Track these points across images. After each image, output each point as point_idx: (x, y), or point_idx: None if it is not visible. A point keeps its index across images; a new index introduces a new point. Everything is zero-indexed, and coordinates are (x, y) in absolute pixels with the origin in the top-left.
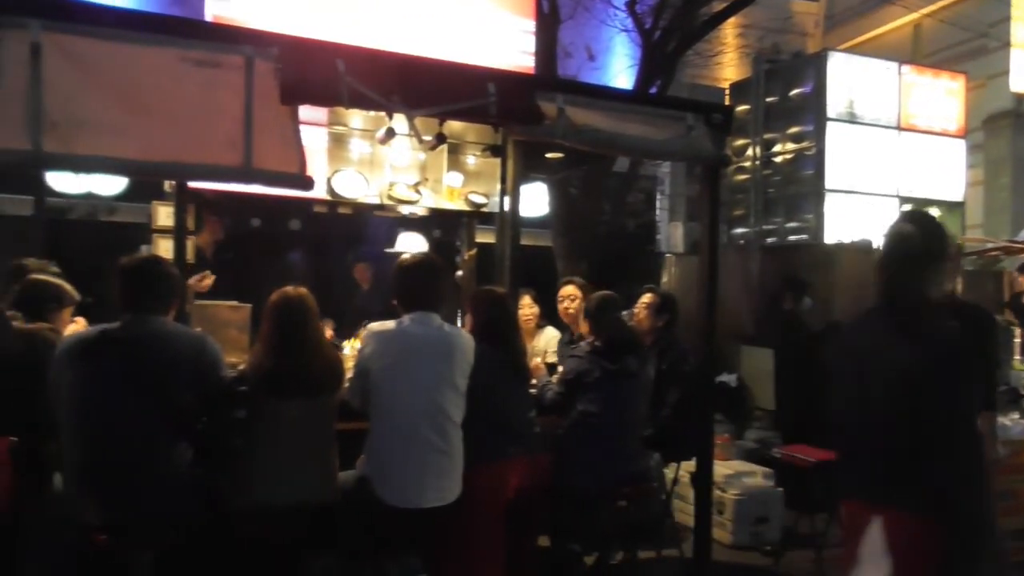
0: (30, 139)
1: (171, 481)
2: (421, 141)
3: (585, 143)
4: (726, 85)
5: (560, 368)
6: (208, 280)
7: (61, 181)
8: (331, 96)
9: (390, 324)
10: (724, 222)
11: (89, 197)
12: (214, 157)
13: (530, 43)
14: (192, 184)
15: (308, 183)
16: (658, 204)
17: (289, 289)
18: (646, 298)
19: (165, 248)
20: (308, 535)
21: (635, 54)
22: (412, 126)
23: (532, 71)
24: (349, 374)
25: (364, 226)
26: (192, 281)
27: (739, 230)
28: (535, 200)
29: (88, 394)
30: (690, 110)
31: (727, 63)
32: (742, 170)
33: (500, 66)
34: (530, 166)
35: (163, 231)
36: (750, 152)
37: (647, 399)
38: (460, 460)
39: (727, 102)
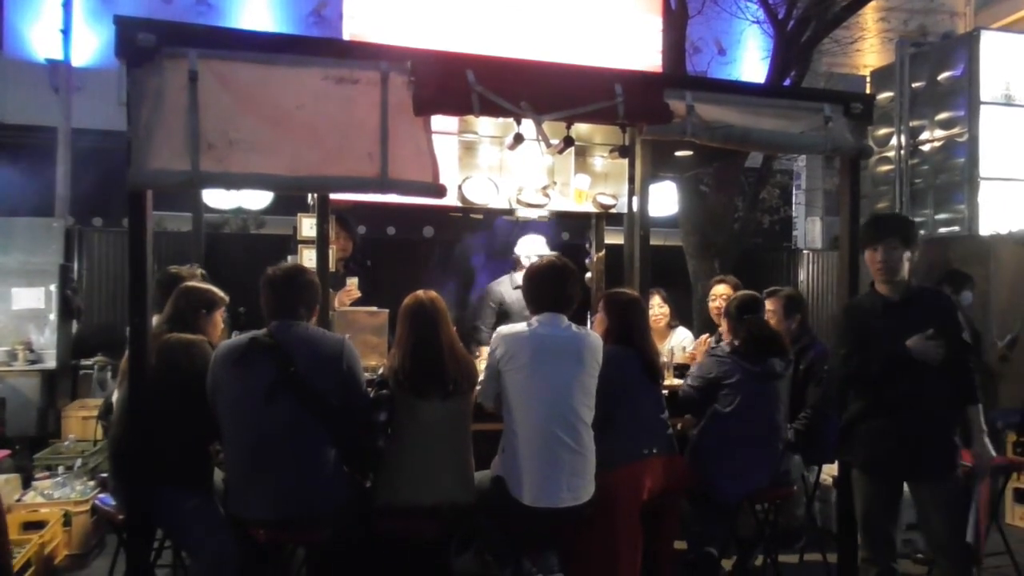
0: (189, 160)
1: (322, 479)
2: (549, 145)
3: (717, 140)
4: (867, 72)
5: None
6: (355, 293)
7: (214, 197)
8: (462, 105)
9: (520, 326)
10: (866, 216)
11: (239, 212)
12: (353, 169)
13: (659, 41)
14: (332, 196)
15: (441, 191)
16: (794, 199)
17: (421, 293)
18: (769, 304)
19: (309, 257)
20: (448, 534)
21: (767, 46)
22: (540, 131)
23: (661, 69)
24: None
25: (487, 229)
26: (343, 291)
27: None
28: (664, 199)
29: (242, 398)
30: (827, 100)
31: (867, 49)
32: (885, 160)
33: (630, 66)
34: (659, 165)
35: (307, 241)
36: (894, 141)
37: (789, 400)
38: (593, 460)
39: (868, 90)
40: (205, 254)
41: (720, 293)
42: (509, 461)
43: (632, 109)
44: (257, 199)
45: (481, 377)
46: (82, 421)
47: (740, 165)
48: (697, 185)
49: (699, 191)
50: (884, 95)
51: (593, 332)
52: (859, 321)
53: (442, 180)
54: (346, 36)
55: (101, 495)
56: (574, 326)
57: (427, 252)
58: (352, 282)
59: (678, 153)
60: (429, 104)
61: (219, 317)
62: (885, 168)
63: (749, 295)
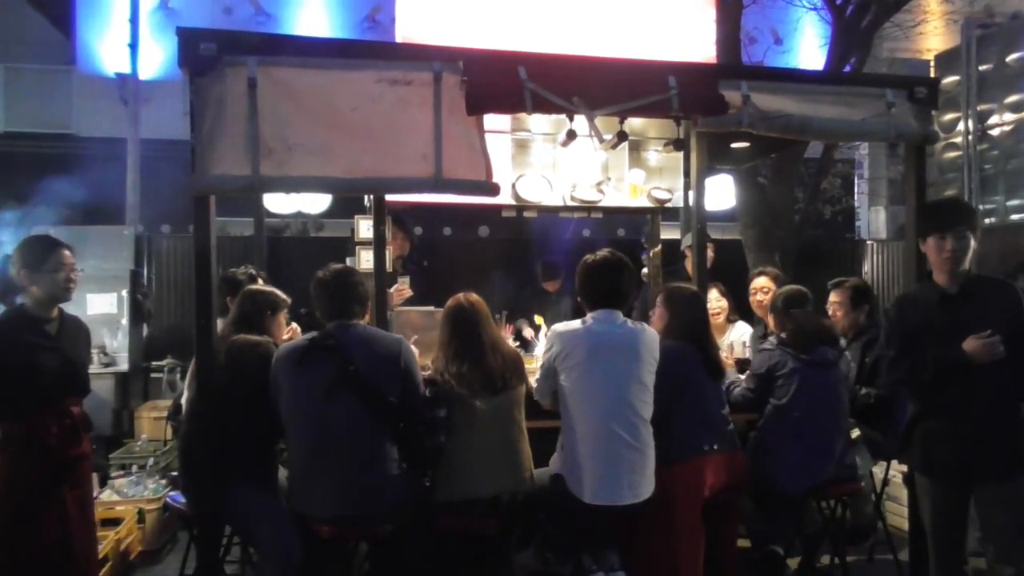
0: (250, 165)
1: (381, 477)
2: (602, 141)
3: (775, 130)
4: (930, 56)
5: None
6: (406, 292)
7: (275, 203)
8: (514, 103)
9: (575, 324)
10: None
11: (299, 216)
12: (408, 170)
13: (713, 33)
14: (386, 198)
15: (494, 190)
16: (857, 188)
17: (461, 296)
18: (835, 296)
19: (366, 259)
20: (508, 528)
21: (825, 33)
22: (593, 126)
23: (715, 61)
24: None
25: (546, 227)
26: (392, 290)
27: None
28: (720, 193)
29: (304, 397)
30: (889, 86)
31: (931, 33)
32: (952, 147)
33: (685, 58)
34: (715, 157)
35: (364, 243)
36: (961, 127)
37: (847, 391)
38: (652, 456)
39: (932, 74)
40: (267, 257)
41: (760, 286)
42: (568, 459)
43: (686, 101)
44: (316, 203)
45: (537, 375)
46: (153, 421)
47: (800, 155)
48: (755, 177)
49: (757, 183)
50: (950, 79)
51: (649, 327)
52: (913, 317)
53: (495, 179)
54: (399, 39)
55: (172, 493)
56: (630, 322)
57: (483, 252)
58: (403, 281)
59: (734, 145)
60: (482, 103)
61: (283, 318)
62: (952, 155)
63: (796, 289)
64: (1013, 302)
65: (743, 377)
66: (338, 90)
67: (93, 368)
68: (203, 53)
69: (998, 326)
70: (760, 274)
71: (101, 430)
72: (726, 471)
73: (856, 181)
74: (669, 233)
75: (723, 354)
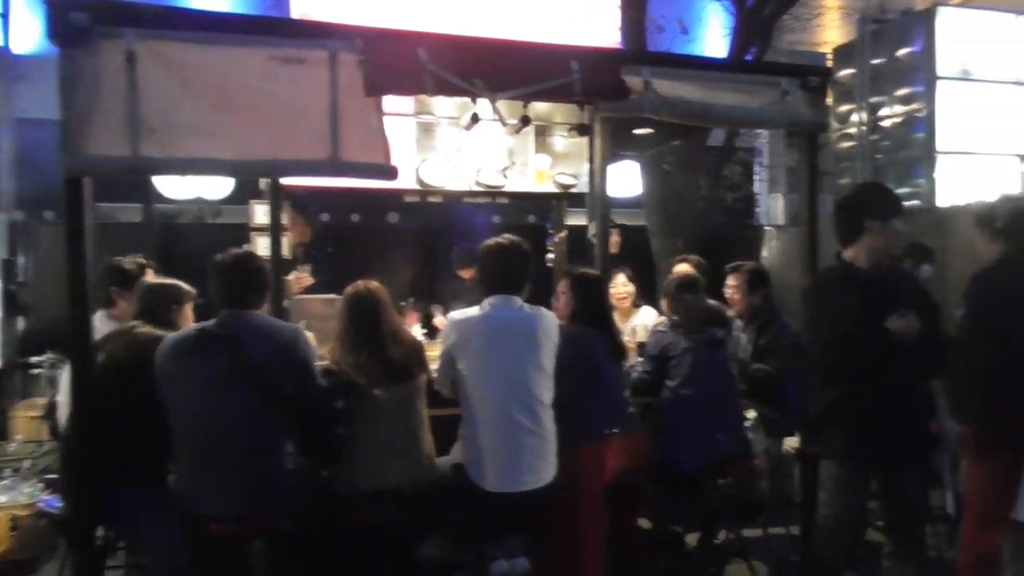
0: (129, 145)
1: (277, 471)
2: (505, 125)
3: (675, 116)
4: (828, 49)
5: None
6: (306, 280)
7: (171, 187)
8: (414, 85)
9: (471, 311)
10: (830, 191)
11: (198, 201)
12: (304, 152)
13: (617, 19)
14: (284, 182)
15: (393, 173)
16: (757, 176)
17: (360, 283)
18: (732, 280)
19: (263, 245)
20: (411, 519)
21: (730, 23)
22: (496, 110)
23: (620, 47)
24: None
25: (454, 213)
26: (291, 278)
27: None
28: (628, 179)
29: (193, 391)
30: (785, 74)
31: (829, 26)
32: (848, 137)
33: (589, 43)
34: (620, 144)
35: (260, 229)
36: (856, 118)
37: (738, 371)
38: (554, 441)
39: (830, 66)
40: (159, 245)
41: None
42: (469, 447)
43: (589, 86)
44: (217, 188)
45: (435, 365)
46: (30, 421)
47: (702, 143)
48: (660, 164)
49: (662, 170)
50: (845, 72)
51: (548, 311)
52: (839, 300)
53: (397, 162)
54: (294, 15)
55: (47, 497)
56: (527, 306)
57: (394, 238)
58: (303, 269)
59: (637, 131)
60: (380, 84)
61: (189, 310)
62: (847, 145)
63: (688, 275)
64: (916, 285)
65: (638, 365)
66: (227, 67)
67: None
68: (74, 24)
69: (910, 308)
70: (682, 261)
71: None
72: (627, 454)
73: (756, 169)
74: (578, 219)
75: (626, 338)
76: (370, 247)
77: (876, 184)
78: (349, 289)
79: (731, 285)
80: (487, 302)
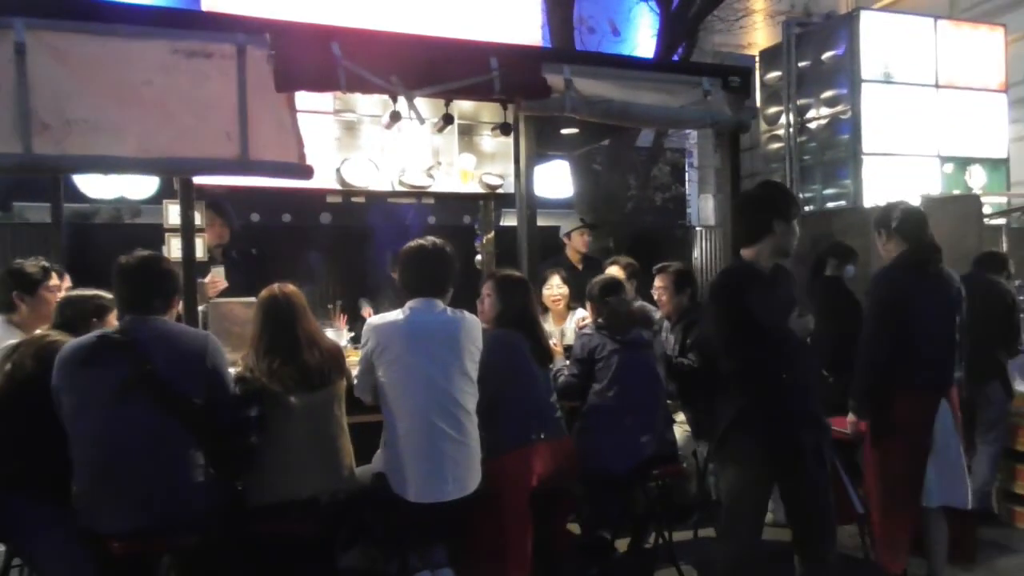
0: (20, 142)
1: (184, 484)
2: (423, 122)
3: (596, 115)
4: (754, 51)
5: None
6: (220, 284)
7: (91, 186)
8: (327, 81)
9: (391, 315)
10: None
11: (121, 201)
12: (210, 150)
13: (539, 17)
14: (198, 182)
15: (308, 172)
16: (687, 176)
17: (275, 287)
18: (659, 281)
19: (177, 247)
20: (329, 529)
21: (657, 25)
22: (412, 107)
23: (544, 46)
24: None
25: (388, 214)
26: (206, 281)
27: None
28: (558, 180)
29: (91, 401)
30: (705, 74)
31: (755, 28)
32: (776, 139)
33: (510, 41)
34: (546, 143)
35: (174, 230)
36: (784, 120)
37: (664, 370)
38: (477, 448)
39: (757, 69)
40: (72, 247)
41: (611, 275)
42: (390, 456)
43: (509, 84)
44: (140, 187)
45: (355, 371)
46: None
47: (631, 143)
48: (590, 164)
49: (592, 170)
50: (773, 74)
51: (470, 315)
52: (745, 300)
53: (316, 161)
54: (204, 8)
55: None
56: (449, 310)
57: (325, 239)
58: (217, 272)
59: (564, 131)
60: (291, 80)
61: (112, 321)
62: (776, 146)
63: (611, 278)
64: (795, 283)
65: (565, 362)
66: (127, 60)
67: None
68: None
69: (795, 305)
70: (612, 263)
71: None
72: (554, 459)
73: (687, 169)
74: (511, 220)
75: (554, 341)
76: (297, 248)
77: (779, 184)
78: (264, 293)
79: (658, 286)
80: (408, 306)
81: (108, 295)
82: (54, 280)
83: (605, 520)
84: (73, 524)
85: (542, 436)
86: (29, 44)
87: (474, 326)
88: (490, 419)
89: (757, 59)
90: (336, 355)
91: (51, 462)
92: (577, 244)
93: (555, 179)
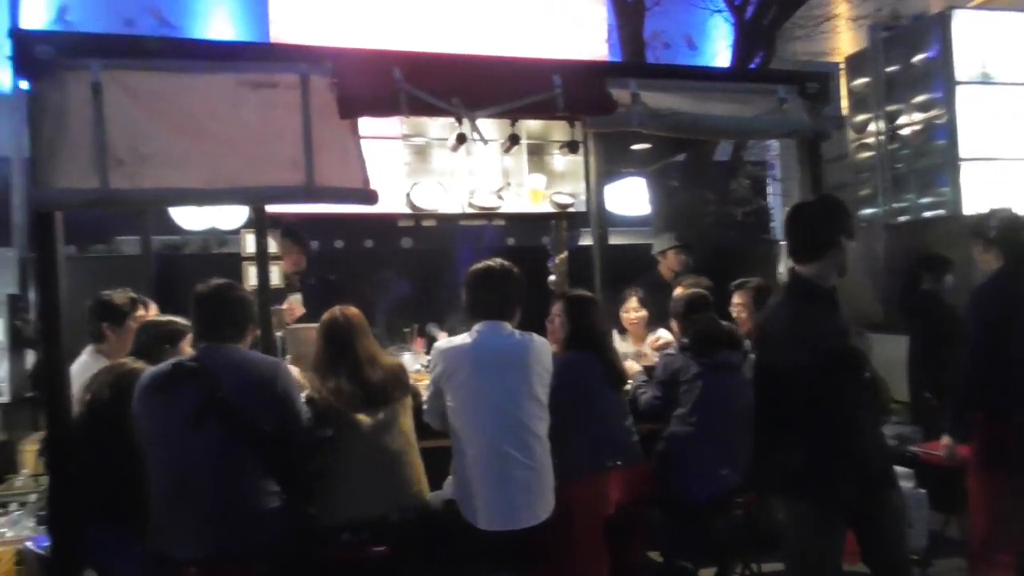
0: (98, 177)
1: (255, 510)
2: (486, 143)
3: (665, 128)
4: (839, 58)
5: None
6: (298, 310)
7: (184, 218)
8: (389, 105)
9: (458, 339)
10: (849, 203)
11: (211, 232)
12: (277, 178)
13: (604, 32)
14: (274, 211)
15: (372, 197)
16: (770, 189)
17: (336, 310)
18: (738, 297)
19: (254, 275)
20: (402, 552)
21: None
22: (474, 128)
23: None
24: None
25: (463, 236)
26: (284, 307)
27: (867, 211)
28: (635, 197)
29: (166, 428)
30: (781, 82)
31: (839, 34)
32: (866, 147)
33: (574, 58)
34: (616, 160)
35: (251, 258)
36: (873, 127)
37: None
38: (550, 475)
39: (844, 76)
40: (162, 277)
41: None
42: (460, 483)
43: (572, 100)
44: (230, 218)
45: (425, 396)
46: (39, 455)
47: (708, 158)
48: (667, 180)
49: (669, 186)
50: (860, 81)
51: (540, 337)
52: (818, 325)
53: (388, 186)
54: (272, 40)
55: (36, 535)
56: (517, 333)
57: (395, 264)
58: (294, 299)
59: (635, 146)
60: (354, 106)
61: (186, 347)
62: (865, 155)
63: (697, 293)
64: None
65: (644, 379)
66: (195, 94)
67: None
68: (40, 57)
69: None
70: (693, 286)
71: None
72: (631, 485)
73: (769, 182)
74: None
75: (629, 362)
76: (375, 273)
77: (837, 197)
78: (325, 316)
79: (737, 303)
80: (475, 329)
81: (182, 320)
82: (140, 311)
83: (686, 549)
84: (151, 550)
85: (617, 463)
86: (104, 83)
87: (543, 349)
88: (562, 445)
89: (842, 66)
90: (398, 373)
91: (131, 489)
92: (672, 263)
93: (631, 196)
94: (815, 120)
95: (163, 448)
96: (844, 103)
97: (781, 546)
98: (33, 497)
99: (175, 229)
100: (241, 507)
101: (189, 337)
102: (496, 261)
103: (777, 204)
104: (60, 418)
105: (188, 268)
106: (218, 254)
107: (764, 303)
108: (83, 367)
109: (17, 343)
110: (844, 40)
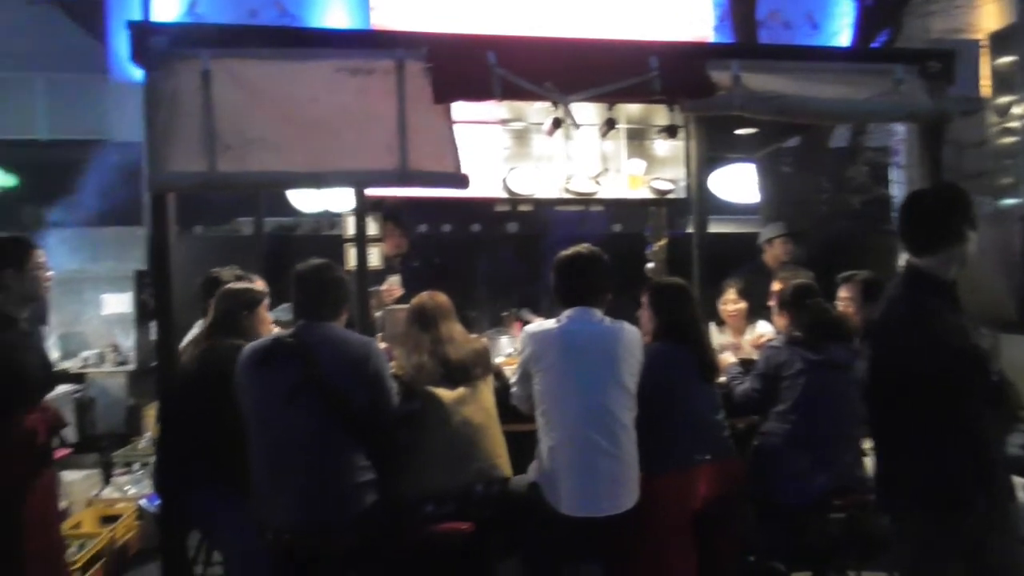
0: (206, 161)
1: (346, 484)
2: (578, 127)
3: (769, 112)
4: (983, 35)
5: None
6: (397, 291)
7: (301, 201)
8: (483, 90)
9: (548, 323)
10: (988, 192)
11: (324, 214)
12: (372, 162)
13: (709, 12)
14: (374, 193)
15: (464, 181)
16: (892, 177)
17: (424, 294)
18: (844, 291)
19: (355, 256)
20: (485, 528)
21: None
22: (567, 112)
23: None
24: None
25: (565, 222)
26: (383, 288)
27: (1009, 201)
28: (744, 184)
29: (264, 400)
30: (898, 61)
31: (980, 8)
32: (1009, 132)
33: (676, 39)
34: (720, 145)
35: (352, 240)
36: (1017, 110)
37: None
38: (634, 465)
39: (988, 54)
40: (273, 256)
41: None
42: (544, 467)
43: (670, 83)
44: (342, 201)
45: (512, 379)
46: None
47: (823, 143)
48: (778, 167)
49: (780, 173)
50: (1004, 59)
51: (630, 326)
52: (946, 321)
53: (489, 171)
54: (373, 27)
55: (150, 495)
56: (608, 320)
57: (504, 248)
58: (393, 280)
59: (739, 131)
60: (448, 91)
61: (263, 313)
62: (1009, 140)
63: (804, 282)
64: None
65: (739, 370)
66: (296, 81)
67: (106, 366)
68: (154, 47)
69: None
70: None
71: (114, 428)
72: (720, 481)
73: (891, 169)
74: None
75: (726, 354)
76: (477, 258)
77: (958, 185)
78: (414, 299)
79: (844, 297)
80: (564, 315)
81: (259, 288)
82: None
83: (779, 551)
84: (251, 516)
85: (706, 457)
86: (213, 71)
87: (633, 337)
88: (649, 436)
89: (985, 43)
90: (480, 352)
91: (229, 458)
92: (779, 252)
93: (740, 183)
94: (937, 102)
95: (262, 420)
96: (986, 83)
97: (888, 557)
98: (153, 459)
99: (291, 211)
100: (333, 480)
101: (266, 303)
102: (584, 247)
103: (900, 193)
104: (167, 388)
105: (298, 248)
106: (327, 236)
107: (874, 298)
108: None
109: (143, 316)
110: (988, 15)
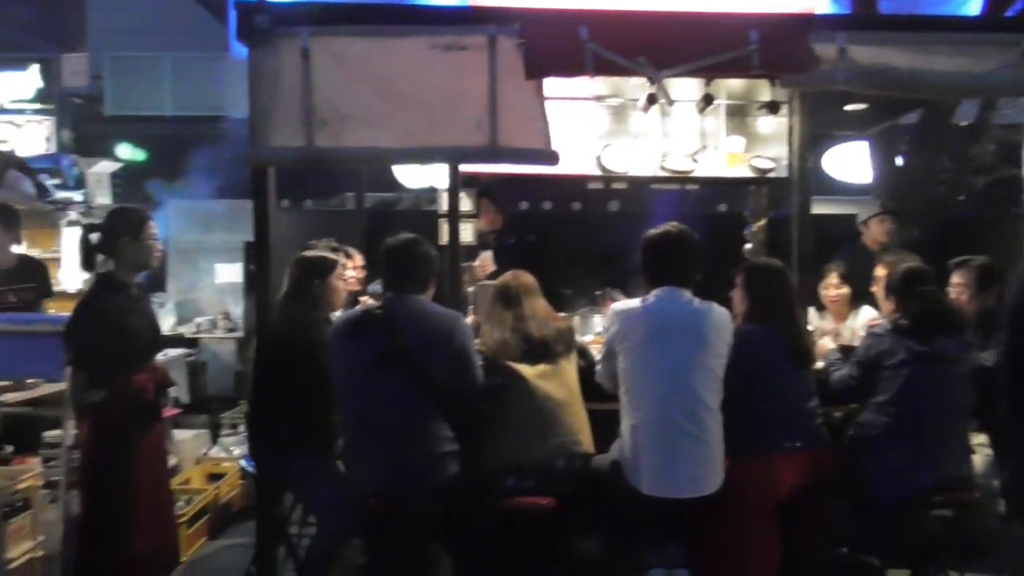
0: (304, 136)
1: (428, 453)
2: (671, 103)
3: (877, 86)
4: None
5: None
6: (489, 267)
7: (406, 176)
8: (575, 65)
9: (635, 302)
10: None
11: (427, 190)
12: (462, 138)
13: None
14: (464, 169)
15: (554, 158)
16: None
17: (509, 274)
18: (958, 277)
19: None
20: (565, 503)
21: None
22: (661, 88)
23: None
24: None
25: (663, 201)
26: (476, 264)
27: None
28: (857, 163)
29: (353, 369)
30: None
31: None
32: None
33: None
34: (828, 122)
35: (446, 216)
36: None
37: (970, 389)
38: (719, 448)
39: None
40: (373, 230)
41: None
42: (626, 446)
43: (769, 57)
44: (445, 176)
45: (598, 356)
46: None
47: (944, 119)
48: (895, 144)
49: (896, 151)
50: None
51: (720, 307)
52: None
53: (584, 148)
54: (470, 3)
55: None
56: (696, 300)
57: (608, 226)
58: (485, 256)
59: (848, 107)
60: (540, 66)
61: (335, 281)
62: None
63: (916, 266)
64: None
65: (838, 356)
66: (390, 57)
67: (218, 332)
68: (258, 25)
69: None
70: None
71: (224, 391)
72: (810, 470)
73: None
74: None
75: (825, 339)
76: (572, 236)
77: None
78: (499, 278)
79: (956, 283)
80: (652, 294)
81: (332, 256)
82: (342, 260)
83: (873, 546)
84: (341, 479)
85: (796, 444)
86: (312, 49)
87: (723, 319)
88: (736, 420)
89: None
90: (563, 330)
91: (317, 425)
92: (876, 233)
93: (852, 162)
94: None
95: (349, 388)
96: None
97: (996, 559)
98: None
99: (396, 186)
100: (417, 449)
101: (338, 271)
102: (673, 225)
103: None
104: (264, 357)
105: (397, 223)
106: (425, 211)
107: (990, 286)
108: None
109: (251, 285)
110: None
